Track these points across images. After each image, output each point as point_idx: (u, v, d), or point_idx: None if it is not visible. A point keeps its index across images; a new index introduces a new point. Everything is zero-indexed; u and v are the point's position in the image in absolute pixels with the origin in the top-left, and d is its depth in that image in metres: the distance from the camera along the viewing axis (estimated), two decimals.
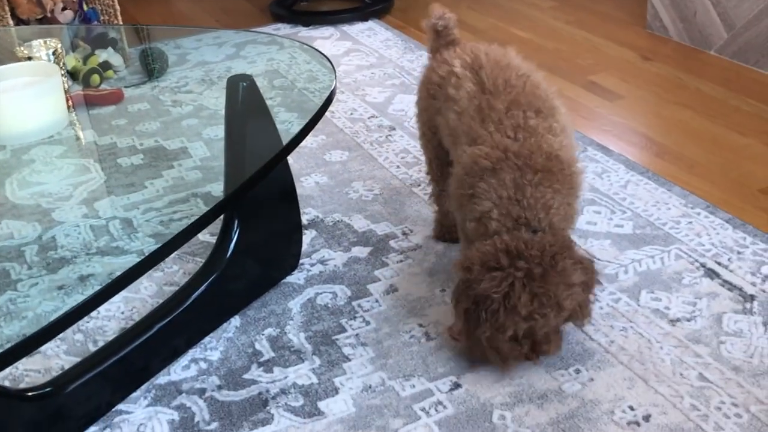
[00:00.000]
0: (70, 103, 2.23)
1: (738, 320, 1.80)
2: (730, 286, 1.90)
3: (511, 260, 1.54)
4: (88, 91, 2.50)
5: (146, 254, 1.42)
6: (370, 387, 1.69)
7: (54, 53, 2.14)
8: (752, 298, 1.86)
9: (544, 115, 1.70)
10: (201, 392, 1.69)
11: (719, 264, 1.98)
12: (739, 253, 2.01)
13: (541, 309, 1.54)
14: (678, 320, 1.80)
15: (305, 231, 2.18)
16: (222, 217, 1.90)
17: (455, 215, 1.85)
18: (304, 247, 2.11)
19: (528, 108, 1.70)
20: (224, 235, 1.88)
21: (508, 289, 1.53)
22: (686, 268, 1.97)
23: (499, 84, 1.74)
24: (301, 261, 2.07)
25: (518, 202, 1.61)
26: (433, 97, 1.90)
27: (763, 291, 1.88)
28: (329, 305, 1.93)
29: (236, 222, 1.87)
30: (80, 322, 1.89)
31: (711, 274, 1.95)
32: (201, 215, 1.52)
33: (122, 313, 1.93)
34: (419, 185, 2.38)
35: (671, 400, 1.60)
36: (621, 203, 2.23)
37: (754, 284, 1.90)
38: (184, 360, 1.78)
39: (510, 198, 1.61)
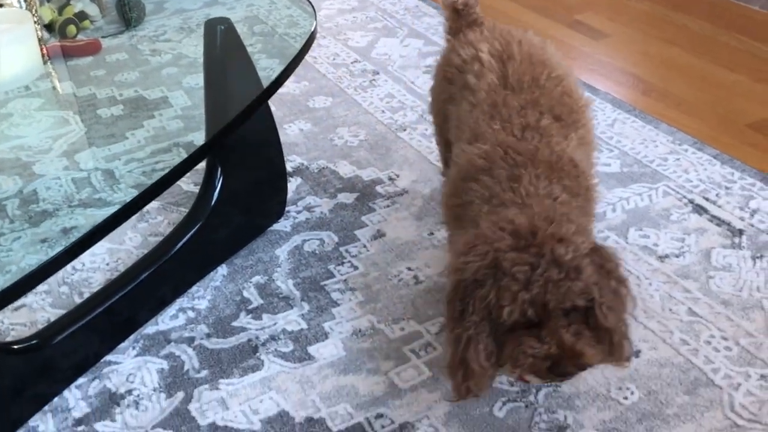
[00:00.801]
0: (46, 54, 2.18)
1: (727, 255, 1.79)
2: (719, 222, 1.89)
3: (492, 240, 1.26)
4: (65, 42, 2.44)
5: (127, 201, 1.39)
6: (359, 331, 1.68)
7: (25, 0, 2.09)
8: (741, 232, 1.85)
9: (564, 124, 1.45)
10: (190, 341, 1.68)
11: (707, 200, 1.97)
12: (727, 188, 2.00)
13: (546, 272, 1.20)
14: (666, 256, 1.80)
15: (290, 178, 2.15)
16: (205, 166, 1.88)
17: (447, 229, 1.60)
18: (290, 194, 2.09)
19: (547, 111, 1.45)
20: (207, 184, 1.85)
21: (494, 262, 1.23)
22: (674, 205, 1.96)
23: (525, 81, 1.50)
24: (287, 208, 2.05)
25: (513, 191, 1.33)
26: (449, 81, 1.65)
27: (752, 225, 1.87)
28: (317, 252, 1.92)
29: (219, 170, 1.85)
30: (65, 275, 1.87)
31: (699, 210, 1.94)
32: (181, 161, 1.49)
33: (107, 264, 1.91)
34: (405, 130, 2.35)
35: (661, 336, 1.60)
36: (608, 142, 2.21)
37: (742, 219, 1.89)
38: (171, 309, 1.77)
39: (503, 190, 1.34)
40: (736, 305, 1.66)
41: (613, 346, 1.27)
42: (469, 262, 1.24)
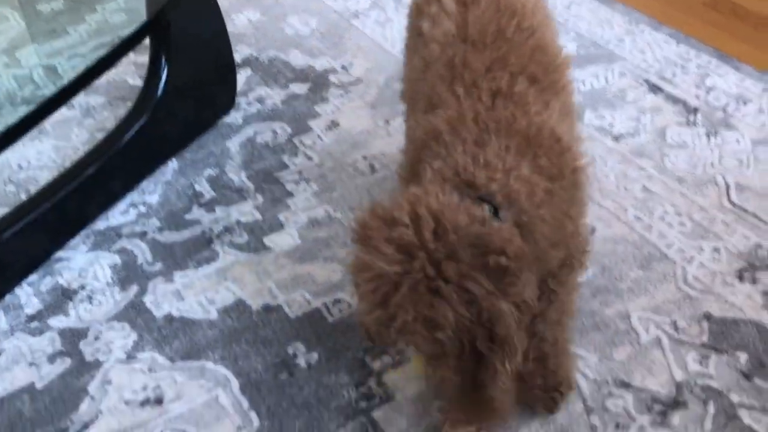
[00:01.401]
0: None
1: (682, 132, 1.79)
2: (674, 100, 1.88)
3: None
4: None
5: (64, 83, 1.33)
6: (315, 220, 1.66)
7: None
8: (696, 110, 1.84)
9: (541, 87, 1.17)
10: (142, 235, 1.65)
11: (663, 79, 1.95)
12: (683, 67, 1.98)
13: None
14: (622, 136, 1.79)
15: (240, 70, 2.09)
16: (149, 58, 1.81)
17: None
18: (240, 86, 2.04)
19: (519, 71, 1.16)
20: (151, 77, 1.79)
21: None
22: (630, 85, 1.94)
23: (489, 33, 1.20)
24: (237, 100, 2.00)
25: (474, 158, 1.06)
26: (411, 23, 1.39)
27: (707, 103, 1.86)
28: (269, 143, 1.88)
29: (163, 62, 1.78)
30: (11, 173, 1.82)
31: (655, 89, 1.92)
32: (121, 41, 1.42)
33: (54, 162, 1.86)
34: (357, 17, 2.29)
35: (615, 213, 1.60)
36: (564, 24, 2.17)
37: (697, 97, 1.88)
38: (122, 205, 1.73)
39: (464, 151, 1.07)
40: (690, 182, 1.66)
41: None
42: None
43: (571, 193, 1.12)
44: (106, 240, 1.65)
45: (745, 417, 1.23)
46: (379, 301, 0.96)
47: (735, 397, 1.25)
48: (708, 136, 1.77)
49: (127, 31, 1.72)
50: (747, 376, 1.28)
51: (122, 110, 1.99)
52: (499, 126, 1.09)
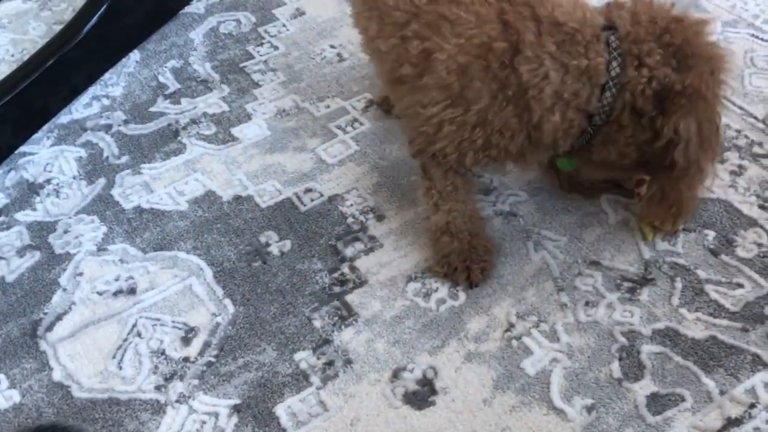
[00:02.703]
0: None
1: None
2: None
3: (680, 63, 1.11)
4: None
5: None
6: (283, 110, 1.64)
7: None
8: None
9: None
10: (107, 128, 1.62)
11: None
12: None
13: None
14: None
15: None
16: None
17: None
18: None
19: None
20: None
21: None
22: None
23: None
24: None
25: (569, 34, 1.11)
26: None
27: None
28: (234, 33, 1.83)
29: None
30: None
31: None
32: None
33: (12, 56, 1.80)
34: None
35: None
36: None
37: None
38: (84, 98, 1.69)
39: (560, 40, 1.11)
40: None
41: None
42: None
43: None
44: (70, 134, 1.61)
45: (712, 292, 1.25)
46: None
47: (702, 274, 1.28)
48: None
49: None
50: (714, 253, 1.31)
51: (80, 1, 1.92)
52: (531, 5, 1.12)
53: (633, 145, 1.16)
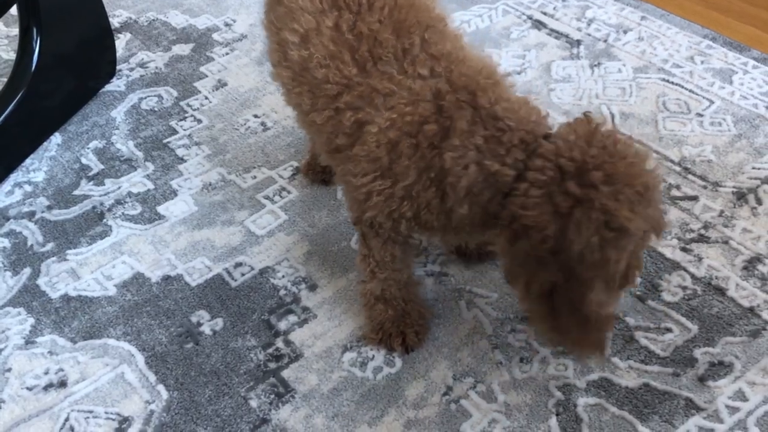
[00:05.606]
0: None
1: (566, 66, 1.82)
2: (557, 35, 1.91)
3: (581, 183, 0.99)
4: None
5: None
6: (210, 184, 1.63)
7: None
8: (578, 43, 1.88)
9: (443, 32, 1.17)
10: (30, 215, 1.60)
11: (545, 14, 1.97)
12: (563, 0, 2.01)
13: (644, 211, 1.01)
14: (509, 74, 1.80)
15: (118, 35, 2.02)
16: (19, 29, 1.73)
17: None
18: (120, 52, 1.97)
19: (422, 27, 1.15)
20: (24, 50, 1.71)
21: (604, 215, 0.98)
22: (514, 23, 1.96)
23: None
24: (118, 67, 1.93)
25: (501, 130, 1.06)
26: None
27: (589, 35, 1.89)
28: (156, 109, 1.83)
29: (35, 33, 1.70)
30: None
31: (538, 25, 1.94)
32: None
33: None
34: None
35: None
36: None
37: (579, 29, 1.91)
38: (5, 186, 1.66)
39: (490, 134, 1.06)
40: (577, 114, 1.68)
41: None
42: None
43: None
44: None
45: (642, 339, 1.28)
46: None
47: (631, 321, 1.30)
48: (591, 67, 1.80)
49: None
50: (641, 299, 1.33)
51: None
52: (471, 91, 1.08)
53: (532, 255, 1.04)
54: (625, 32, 1.89)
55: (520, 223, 1.02)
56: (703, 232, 1.43)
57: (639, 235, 1.00)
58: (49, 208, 1.61)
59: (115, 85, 1.89)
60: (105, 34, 1.88)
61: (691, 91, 1.72)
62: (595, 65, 1.81)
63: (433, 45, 1.14)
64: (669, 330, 1.28)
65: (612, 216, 0.97)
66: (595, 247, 0.98)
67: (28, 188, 1.65)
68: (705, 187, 1.51)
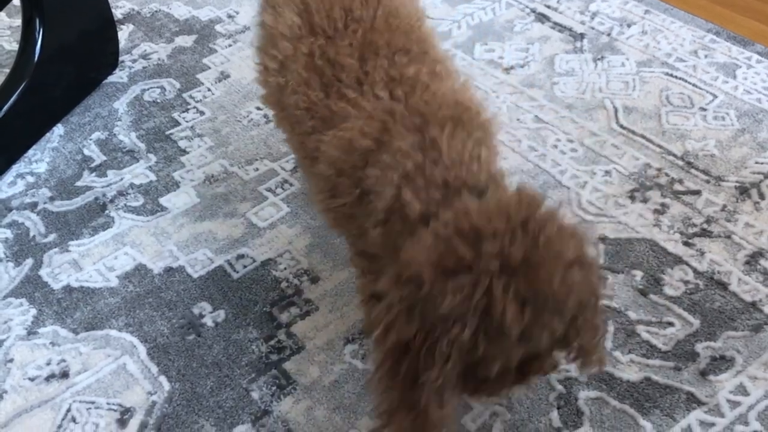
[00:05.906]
0: None
1: (569, 60, 1.81)
2: (561, 28, 1.90)
3: (476, 249, 0.87)
4: None
5: None
6: (212, 176, 1.63)
7: None
8: (582, 36, 1.87)
9: (417, 56, 1.11)
10: (32, 206, 1.60)
11: (549, 7, 1.97)
12: None
13: (539, 319, 0.87)
14: (512, 68, 1.80)
15: (121, 26, 2.02)
16: (22, 19, 1.73)
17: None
18: (123, 43, 1.97)
19: (393, 50, 1.10)
20: (27, 41, 1.71)
21: (486, 298, 0.85)
22: (517, 16, 1.95)
23: (336, 17, 1.13)
24: (121, 58, 1.93)
25: (435, 163, 0.99)
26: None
27: (592, 28, 1.89)
28: (158, 100, 1.83)
29: (38, 23, 1.70)
30: None
31: (541, 18, 1.94)
32: None
33: None
34: None
35: (510, 146, 1.62)
36: None
37: (583, 23, 1.91)
38: (8, 177, 1.66)
39: (423, 163, 0.99)
40: (580, 108, 1.69)
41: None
42: (446, 294, 0.86)
43: (492, 143, 1.07)
44: None
45: (643, 333, 1.28)
46: None
47: (633, 315, 1.30)
48: (595, 61, 1.80)
49: None
50: (643, 293, 1.33)
51: (1, 77, 1.90)
52: (425, 117, 1.03)
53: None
54: (628, 26, 1.89)
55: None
56: (705, 226, 1.43)
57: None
58: (52, 199, 1.61)
59: (118, 76, 1.89)
60: (108, 26, 1.88)
61: (694, 85, 1.72)
62: (599, 59, 1.80)
63: (399, 68, 1.08)
64: (671, 324, 1.29)
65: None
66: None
67: (30, 179, 1.66)
68: (708, 182, 1.51)
